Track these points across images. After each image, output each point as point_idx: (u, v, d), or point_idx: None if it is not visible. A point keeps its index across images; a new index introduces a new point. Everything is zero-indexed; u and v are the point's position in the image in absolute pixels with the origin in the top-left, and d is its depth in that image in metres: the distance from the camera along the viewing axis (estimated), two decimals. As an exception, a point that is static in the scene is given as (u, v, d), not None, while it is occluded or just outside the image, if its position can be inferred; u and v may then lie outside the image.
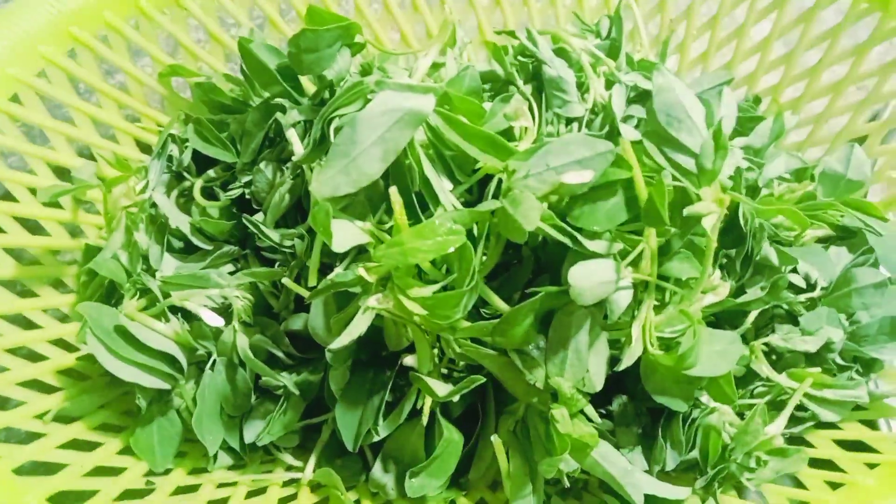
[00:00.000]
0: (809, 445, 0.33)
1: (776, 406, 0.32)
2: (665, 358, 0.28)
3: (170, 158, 0.39)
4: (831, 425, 0.33)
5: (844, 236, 0.36)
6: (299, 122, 0.35)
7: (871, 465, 0.30)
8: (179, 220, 0.37)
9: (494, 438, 0.31)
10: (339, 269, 0.31)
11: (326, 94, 0.35)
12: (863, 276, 0.33)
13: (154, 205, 0.37)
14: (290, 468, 0.35)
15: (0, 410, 0.30)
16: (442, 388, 0.30)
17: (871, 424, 0.33)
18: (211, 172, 0.39)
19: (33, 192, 0.35)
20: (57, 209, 0.36)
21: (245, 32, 0.39)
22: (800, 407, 0.32)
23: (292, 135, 0.34)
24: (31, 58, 0.35)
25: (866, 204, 0.36)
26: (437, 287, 0.28)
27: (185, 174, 0.39)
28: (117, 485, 0.30)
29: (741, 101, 0.43)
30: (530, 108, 0.33)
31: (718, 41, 0.44)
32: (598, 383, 0.29)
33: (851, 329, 0.33)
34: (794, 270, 0.35)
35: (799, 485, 0.31)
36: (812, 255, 0.34)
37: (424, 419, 0.31)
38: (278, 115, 0.35)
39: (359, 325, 0.29)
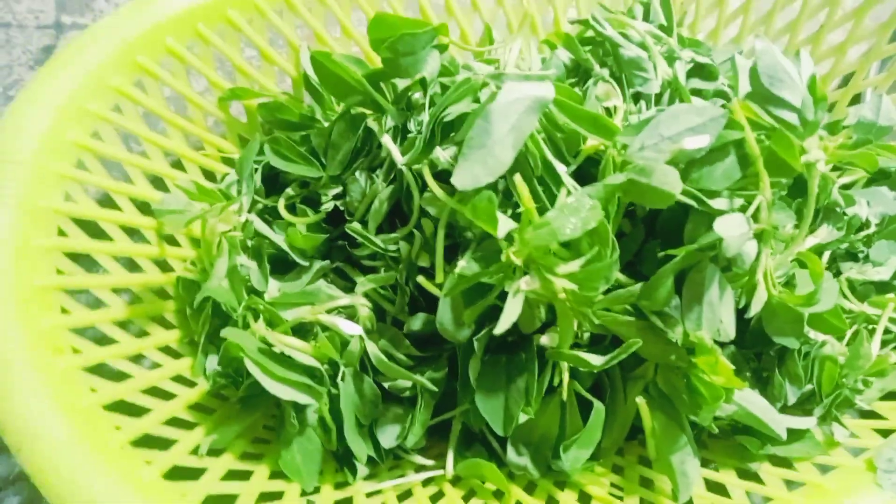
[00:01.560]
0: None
1: (869, 329, 0.36)
2: (791, 298, 0.31)
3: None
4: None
5: (879, 178, 0.40)
6: (391, 128, 0.36)
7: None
8: (277, 239, 0.36)
9: (640, 400, 0.32)
10: (462, 263, 0.32)
11: (417, 96, 0.36)
12: (911, 211, 0.37)
13: (249, 227, 0.36)
14: (421, 468, 0.35)
15: (161, 451, 0.28)
16: (597, 359, 0.31)
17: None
18: (289, 190, 0.39)
19: (121, 227, 0.34)
20: (146, 245, 0.35)
21: (304, 51, 0.40)
22: (887, 330, 0.36)
23: (388, 141, 0.35)
24: (104, 91, 0.34)
25: (893, 146, 0.41)
26: (583, 261, 0.30)
27: (257, 197, 0.39)
28: (287, 507, 0.30)
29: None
30: (614, 89, 0.36)
31: (726, 18, 0.48)
32: (731, 331, 0.31)
33: (911, 256, 0.38)
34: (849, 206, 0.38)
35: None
36: (871, 195, 0.37)
37: (564, 394, 0.33)
38: (369, 121, 0.36)
39: (513, 309, 0.30)
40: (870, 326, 0.36)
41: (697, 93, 0.38)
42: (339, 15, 0.42)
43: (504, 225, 0.29)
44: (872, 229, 0.38)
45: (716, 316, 0.31)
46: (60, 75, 0.33)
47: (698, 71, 0.38)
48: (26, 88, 0.32)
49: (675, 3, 0.48)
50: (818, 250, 0.37)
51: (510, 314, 0.30)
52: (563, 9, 0.47)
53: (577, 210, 0.30)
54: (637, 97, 0.38)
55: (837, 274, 0.38)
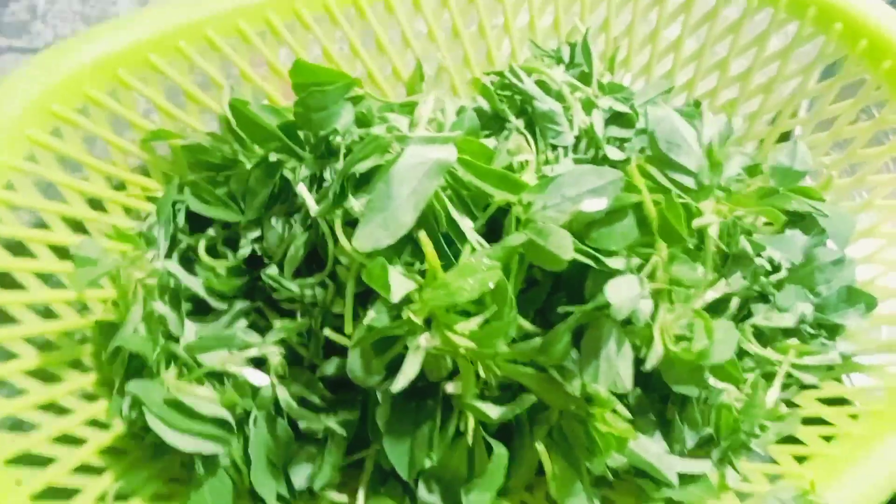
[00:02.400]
0: (798, 407, 0.38)
1: (770, 375, 0.37)
2: (685, 353, 0.32)
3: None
4: (812, 387, 0.38)
5: (796, 220, 0.41)
6: (306, 177, 0.36)
7: (854, 416, 0.35)
8: (193, 284, 0.37)
9: (539, 445, 0.33)
10: (372, 314, 0.33)
11: (331, 148, 0.37)
12: (822, 255, 0.39)
13: (166, 272, 0.37)
14: (336, 504, 0.36)
15: (65, 502, 0.29)
16: (494, 411, 0.32)
17: (841, 379, 0.39)
18: (210, 231, 0.40)
19: (38, 276, 0.35)
20: (63, 290, 0.36)
21: (226, 90, 0.40)
22: (788, 375, 0.37)
23: (304, 190, 0.35)
24: (18, 142, 0.34)
25: (809, 189, 0.42)
26: (481, 320, 0.31)
27: (181, 236, 0.40)
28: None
29: (682, 107, 0.47)
30: (527, 142, 0.36)
31: (658, 53, 0.48)
32: (627, 384, 0.33)
33: (816, 301, 0.39)
34: (759, 256, 0.40)
35: (797, 442, 0.36)
36: (777, 241, 0.38)
37: (470, 440, 0.34)
38: (285, 171, 0.36)
39: (411, 366, 0.31)
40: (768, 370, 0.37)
41: (617, 140, 0.39)
42: (266, 53, 0.42)
43: (400, 287, 0.30)
44: (783, 274, 0.39)
45: (613, 369, 0.32)
46: (-28, 126, 0.33)
47: (617, 119, 0.39)
48: (-63, 140, 0.32)
49: (609, 38, 0.48)
50: (727, 297, 0.38)
51: (409, 370, 0.31)
52: (497, 44, 0.47)
53: (475, 270, 0.30)
54: (555, 147, 0.38)
55: (748, 316, 0.39)
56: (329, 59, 0.44)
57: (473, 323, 0.31)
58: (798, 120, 0.46)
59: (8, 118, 0.34)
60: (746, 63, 0.46)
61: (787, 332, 0.39)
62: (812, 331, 0.39)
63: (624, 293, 0.30)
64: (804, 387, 0.38)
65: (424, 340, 0.31)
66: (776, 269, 0.39)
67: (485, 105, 0.39)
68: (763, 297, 0.40)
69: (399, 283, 0.30)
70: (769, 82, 0.46)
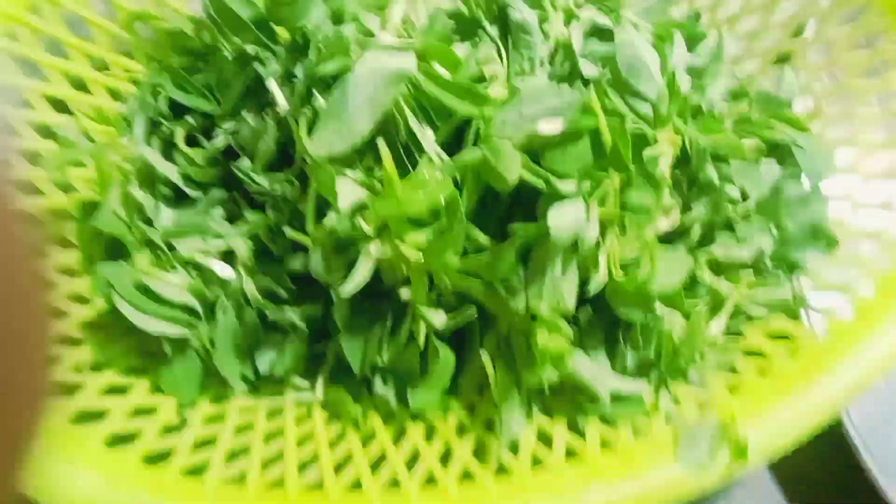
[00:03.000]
0: (742, 338, 0.39)
1: (717, 307, 0.38)
2: (627, 282, 0.33)
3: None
4: (763, 319, 0.39)
5: (775, 150, 0.41)
6: (278, 73, 0.37)
7: (793, 352, 0.36)
8: (169, 171, 0.38)
9: (483, 354, 0.35)
10: (332, 217, 0.34)
11: (302, 43, 0.37)
12: (789, 190, 0.38)
13: (143, 158, 0.38)
14: (299, 390, 0.39)
15: (41, 368, 0.32)
16: (439, 319, 0.34)
17: (796, 318, 0.40)
18: (189, 119, 0.40)
19: (23, 155, 0.36)
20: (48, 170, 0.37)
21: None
22: (737, 306, 0.38)
23: (273, 86, 0.36)
24: (-3, 19, 0.35)
25: (793, 118, 0.41)
26: (430, 232, 0.32)
27: (163, 121, 0.40)
28: (157, 421, 0.34)
29: (682, 19, 0.46)
30: (498, 52, 0.36)
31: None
32: (570, 304, 0.34)
33: (780, 236, 0.39)
34: (732, 183, 0.39)
35: (736, 372, 0.37)
36: (745, 172, 0.38)
37: (421, 343, 0.36)
38: (257, 66, 0.37)
39: (362, 271, 0.32)
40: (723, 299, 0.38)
41: (597, 56, 0.38)
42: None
43: (349, 195, 0.31)
44: (751, 205, 0.39)
45: (557, 289, 0.34)
46: (-52, 3, 0.33)
47: (599, 32, 0.38)
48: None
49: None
50: (689, 224, 0.38)
51: (359, 275, 0.33)
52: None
53: (427, 183, 0.31)
54: (531, 59, 0.38)
55: (708, 244, 0.40)
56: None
57: (423, 235, 0.32)
58: (799, 41, 0.44)
59: (-16, -6, 0.35)
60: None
61: (748, 265, 0.39)
62: (770, 265, 0.39)
63: (568, 218, 0.31)
64: (752, 319, 0.39)
65: (374, 249, 0.32)
66: (745, 198, 0.39)
67: (464, 9, 0.38)
68: (730, 228, 0.40)
69: (348, 190, 0.31)
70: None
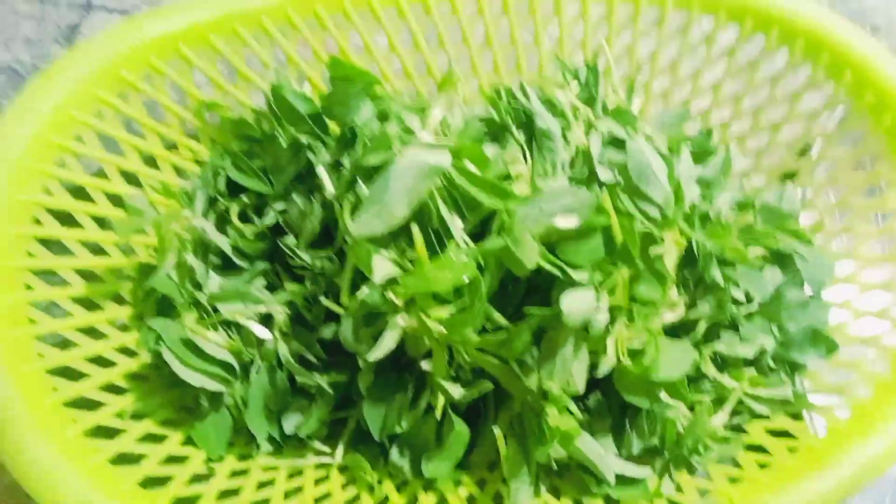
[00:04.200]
0: (745, 433, 0.41)
1: (721, 401, 0.40)
2: (633, 367, 0.36)
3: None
4: (765, 417, 0.41)
5: (778, 258, 0.44)
6: (328, 162, 0.41)
7: (792, 450, 0.38)
8: (221, 242, 0.42)
9: (496, 429, 0.38)
10: (365, 290, 0.37)
11: (349, 136, 0.41)
12: (790, 295, 0.41)
13: (200, 229, 0.42)
14: (319, 453, 0.41)
15: (89, 411, 0.35)
16: (456, 391, 0.36)
17: (797, 416, 0.41)
18: (244, 197, 0.45)
19: (94, 219, 0.41)
20: (113, 233, 0.42)
21: (271, 73, 0.45)
22: (741, 402, 0.40)
23: (323, 173, 0.40)
24: (89, 100, 0.40)
25: (797, 230, 0.44)
26: (454, 309, 0.35)
27: (220, 198, 0.45)
28: (187, 470, 0.36)
29: (695, 135, 0.50)
30: (524, 154, 0.40)
31: (678, 80, 0.51)
32: (580, 386, 0.36)
33: (782, 338, 0.41)
34: (737, 287, 0.42)
35: (738, 465, 0.39)
36: (750, 276, 0.41)
37: (438, 414, 0.38)
38: (309, 154, 0.41)
39: (389, 339, 0.35)
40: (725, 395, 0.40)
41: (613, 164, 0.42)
42: (310, 40, 0.47)
43: (383, 270, 0.35)
44: (754, 307, 0.42)
45: (567, 370, 0.36)
46: (52, 85, 0.39)
47: (615, 141, 0.42)
48: (23, 93, 0.38)
49: (633, 61, 0.51)
50: (694, 321, 0.41)
51: (386, 343, 0.36)
52: (525, 55, 0.51)
53: (454, 265, 0.35)
54: (554, 162, 0.42)
55: (713, 339, 0.42)
56: (368, 51, 0.49)
57: (446, 310, 0.35)
58: (805, 160, 0.48)
59: (82, 79, 0.40)
60: (759, 100, 0.48)
61: (750, 363, 0.42)
62: (773, 365, 0.41)
63: (580, 304, 0.34)
64: (756, 416, 0.41)
65: (401, 320, 0.35)
66: (750, 301, 0.42)
67: (495, 115, 0.42)
68: (734, 326, 0.43)
69: (382, 266, 0.34)
70: (780, 121, 0.48)
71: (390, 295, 0.35)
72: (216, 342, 0.38)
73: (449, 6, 0.48)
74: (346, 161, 0.41)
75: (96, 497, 0.31)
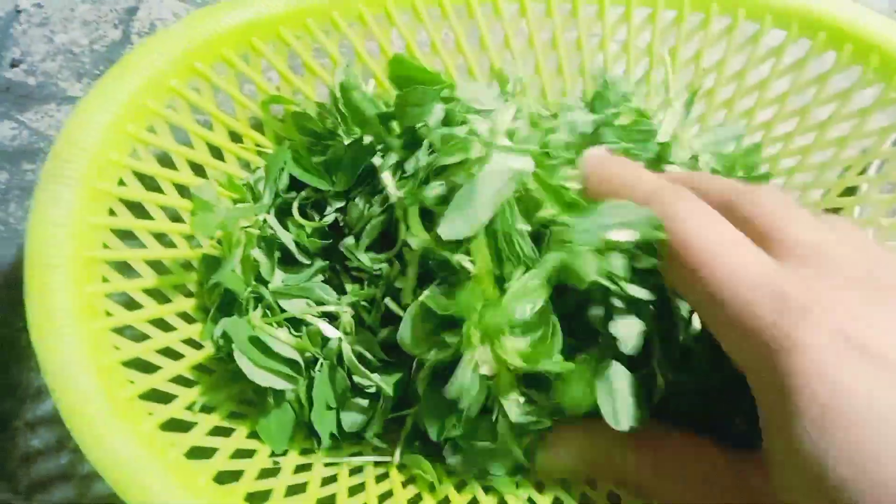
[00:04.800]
0: None
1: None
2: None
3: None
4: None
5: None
6: (392, 165, 0.41)
7: None
8: (286, 238, 0.43)
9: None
10: (427, 293, 0.37)
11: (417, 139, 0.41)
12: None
13: (266, 223, 0.42)
14: (377, 450, 0.42)
15: (163, 404, 0.36)
16: (516, 412, 0.37)
17: None
18: (304, 193, 0.45)
19: (163, 209, 0.41)
20: (181, 224, 0.42)
21: (339, 69, 0.45)
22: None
23: (387, 178, 0.40)
24: (163, 91, 0.40)
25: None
26: (529, 339, 0.35)
27: (280, 193, 0.45)
28: (255, 465, 0.37)
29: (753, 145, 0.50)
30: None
31: (743, 90, 0.50)
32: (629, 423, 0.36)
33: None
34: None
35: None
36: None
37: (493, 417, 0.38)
38: (374, 159, 0.41)
39: (464, 375, 0.35)
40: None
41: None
42: (379, 36, 0.46)
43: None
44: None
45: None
46: (126, 75, 0.39)
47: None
48: (97, 85, 0.38)
49: (698, 70, 0.51)
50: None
51: (459, 381, 0.36)
52: (590, 57, 0.50)
53: (526, 292, 0.35)
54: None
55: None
56: (434, 48, 0.49)
57: (523, 342, 0.35)
58: (865, 178, 0.48)
59: (156, 69, 0.40)
60: (825, 114, 0.48)
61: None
62: None
63: (632, 329, 0.34)
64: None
65: (480, 360, 0.35)
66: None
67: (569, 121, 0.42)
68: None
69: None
70: (844, 137, 0.48)
71: (469, 331, 0.35)
72: (284, 340, 0.39)
73: (518, 8, 0.48)
74: (409, 164, 0.41)
75: (179, 493, 0.31)
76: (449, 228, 0.35)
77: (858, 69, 0.46)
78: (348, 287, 0.43)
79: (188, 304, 0.41)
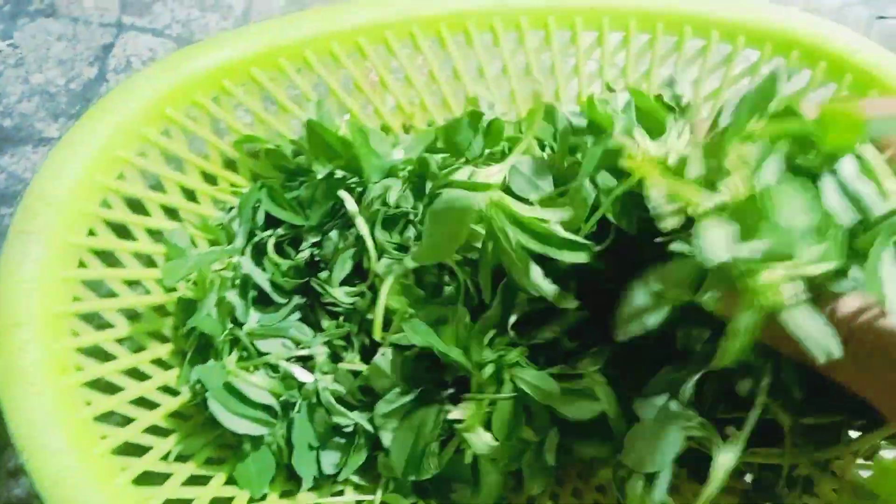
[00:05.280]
0: None
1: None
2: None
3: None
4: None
5: None
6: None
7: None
8: (260, 279, 0.42)
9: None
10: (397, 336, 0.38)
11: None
12: None
13: (240, 266, 0.42)
14: (358, 488, 0.42)
15: (136, 457, 0.36)
16: (483, 446, 0.36)
17: None
18: (280, 230, 0.45)
19: (136, 256, 0.41)
20: (155, 269, 0.42)
21: (311, 107, 0.45)
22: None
23: (354, 210, 0.40)
24: (133, 139, 0.40)
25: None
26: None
27: (257, 231, 0.45)
28: (233, 512, 0.37)
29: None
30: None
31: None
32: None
33: None
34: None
35: None
36: None
37: (468, 460, 0.38)
38: (342, 193, 0.41)
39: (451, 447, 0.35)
40: None
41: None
42: (354, 74, 0.46)
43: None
44: None
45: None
46: (95, 125, 0.39)
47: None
48: (67, 136, 0.38)
49: (674, 95, 0.50)
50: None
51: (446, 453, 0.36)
52: (565, 84, 0.50)
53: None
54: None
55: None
56: (408, 81, 0.48)
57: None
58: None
59: (126, 118, 0.40)
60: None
61: None
62: None
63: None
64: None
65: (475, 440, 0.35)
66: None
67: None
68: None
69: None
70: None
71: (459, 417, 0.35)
72: (258, 385, 0.38)
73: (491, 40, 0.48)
74: (377, 201, 0.41)
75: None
76: (419, 255, 0.35)
77: (833, 86, 0.45)
78: (325, 323, 0.43)
79: (164, 350, 0.41)
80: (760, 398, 0.31)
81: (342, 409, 0.40)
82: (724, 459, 0.30)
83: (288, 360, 0.40)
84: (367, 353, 0.41)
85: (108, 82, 0.55)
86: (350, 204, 0.41)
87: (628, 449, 0.32)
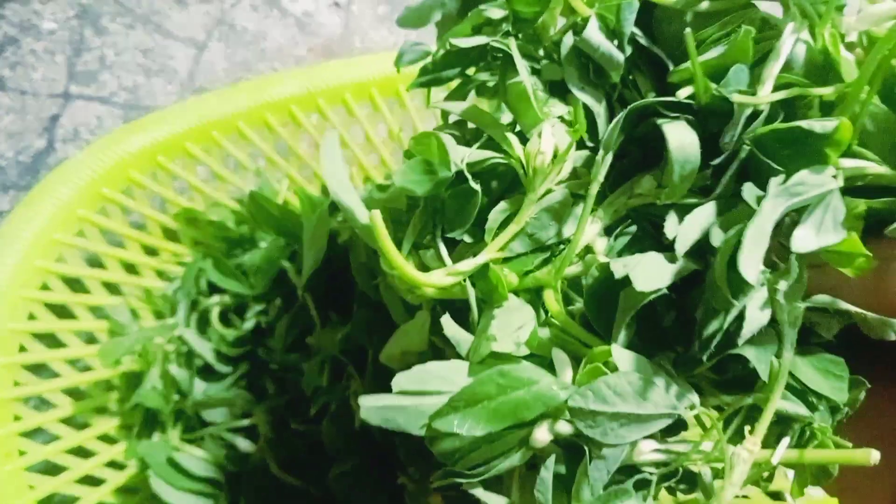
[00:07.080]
0: None
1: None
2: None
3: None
4: None
5: None
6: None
7: None
8: (204, 351, 0.43)
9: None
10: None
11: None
12: None
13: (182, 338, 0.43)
14: (310, 552, 0.43)
15: (80, 538, 0.36)
16: None
17: None
18: (226, 298, 0.46)
19: (76, 333, 0.42)
20: (97, 345, 0.43)
21: (251, 177, 0.46)
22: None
23: (295, 278, 0.41)
24: (71, 221, 0.41)
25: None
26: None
27: (202, 299, 0.46)
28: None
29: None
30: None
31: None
32: None
33: None
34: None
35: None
36: None
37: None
38: (283, 262, 0.42)
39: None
40: None
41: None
42: (290, 142, 0.48)
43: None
44: None
45: None
46: (33, 211, 0.40)
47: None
48: (6, 223, 0.39)
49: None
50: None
51: None
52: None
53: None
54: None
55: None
56: (344, 145, 0.50)
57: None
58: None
59: (62, 201, 0.41)
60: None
61: None
62: None
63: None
64: None
65: None
66: None
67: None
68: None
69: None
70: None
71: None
72: (203, 458, 0.39)
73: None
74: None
75: None
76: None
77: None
78: (271, 390, 0.44)
79: (110, 425, 0.42)
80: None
81: (288, 475, 0.41)
82: None
83: (231, 430, 0.41)
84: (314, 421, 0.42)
85: (57, 152, 0.56)
86: (293, 274, 0.43)
87: None
